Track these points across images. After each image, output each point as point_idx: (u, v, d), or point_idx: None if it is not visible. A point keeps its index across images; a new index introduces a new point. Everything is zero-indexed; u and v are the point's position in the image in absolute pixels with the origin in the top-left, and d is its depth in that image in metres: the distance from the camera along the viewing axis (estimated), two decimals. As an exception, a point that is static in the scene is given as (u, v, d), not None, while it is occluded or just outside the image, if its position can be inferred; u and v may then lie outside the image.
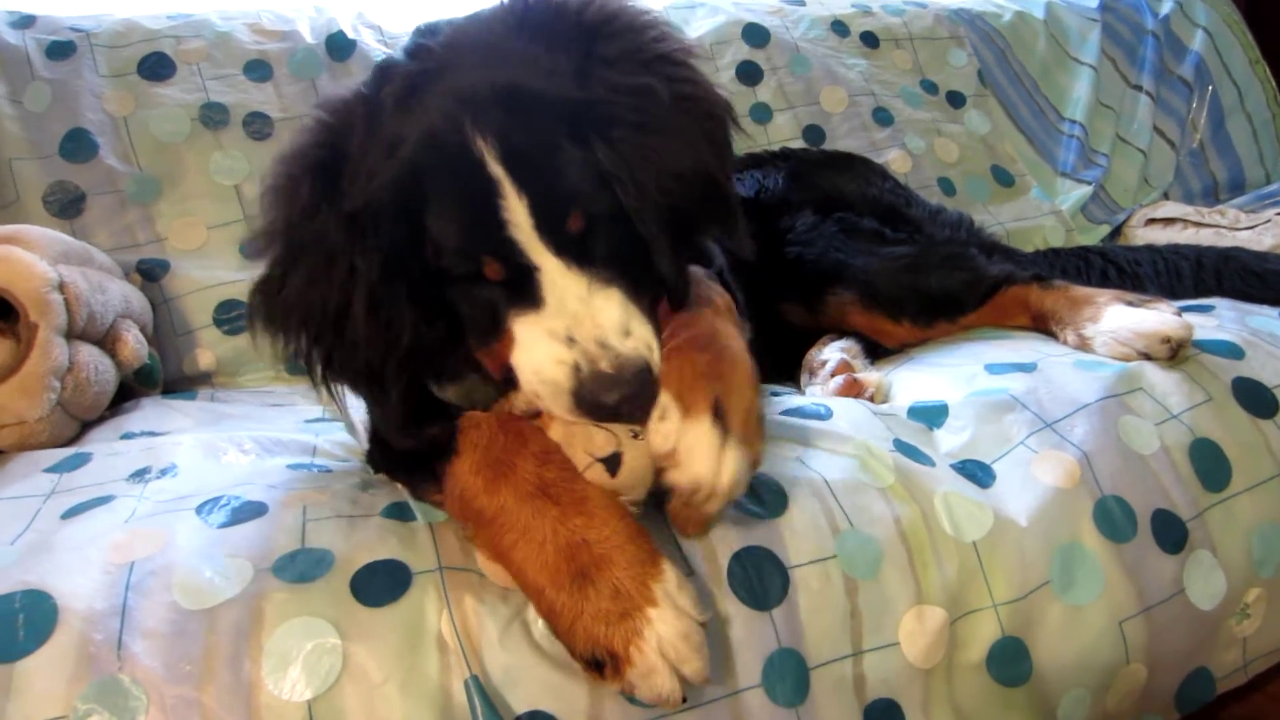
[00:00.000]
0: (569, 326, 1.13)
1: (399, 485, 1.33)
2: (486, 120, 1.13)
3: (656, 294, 1.26)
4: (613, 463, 1.14)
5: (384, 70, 1.24)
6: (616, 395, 1.11)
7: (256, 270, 2.12)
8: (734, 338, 1.26)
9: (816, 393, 1.78)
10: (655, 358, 1.16)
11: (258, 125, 2.29)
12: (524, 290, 1.15)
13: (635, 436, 1.15)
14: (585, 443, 1.15)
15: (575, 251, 1.15)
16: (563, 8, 1.25)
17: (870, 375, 1.76)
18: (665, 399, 1.14)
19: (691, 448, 1.10)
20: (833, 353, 1.86)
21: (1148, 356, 1.60)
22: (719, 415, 1.12)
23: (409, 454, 1.30)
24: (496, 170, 1.11)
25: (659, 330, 1.21)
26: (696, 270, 1.38)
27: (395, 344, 1.19)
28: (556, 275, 1.14)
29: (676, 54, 1.29)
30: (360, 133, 1.19)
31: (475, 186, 1.12)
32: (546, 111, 1.15)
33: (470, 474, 1.14)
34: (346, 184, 1.18)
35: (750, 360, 1.24)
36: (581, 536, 1.06)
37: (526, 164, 1.13)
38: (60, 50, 2.24)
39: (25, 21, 2.28)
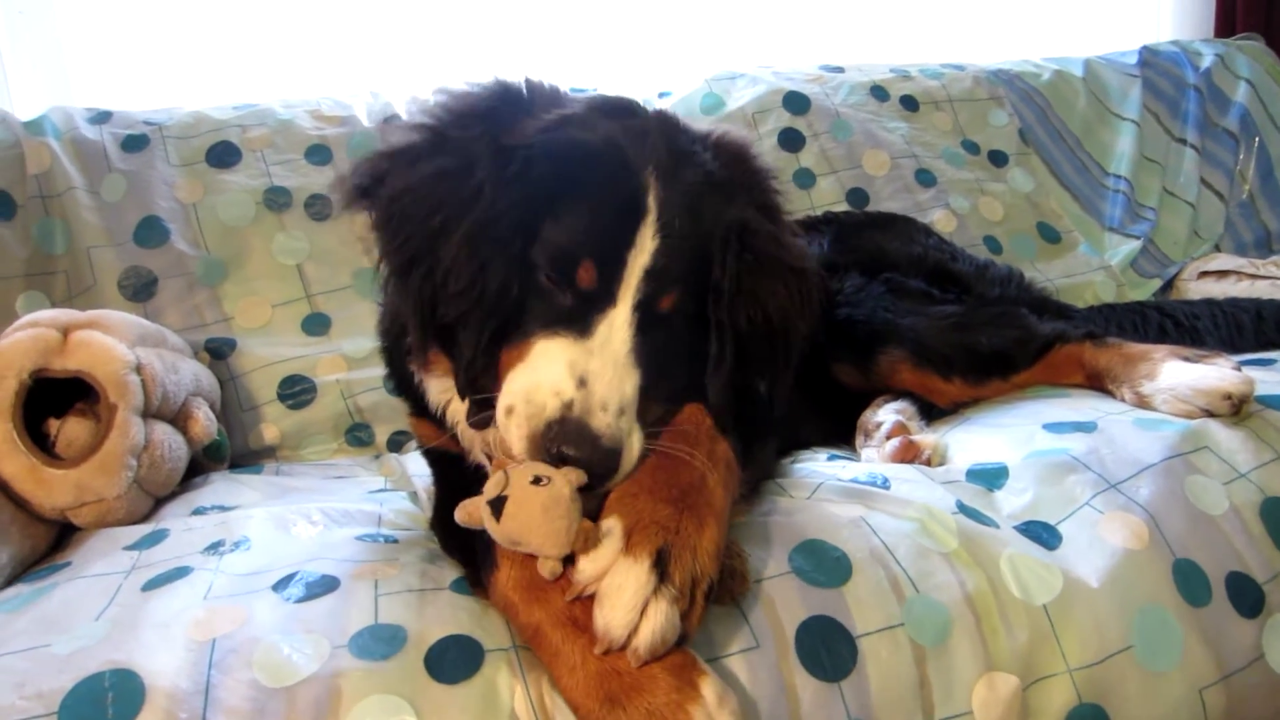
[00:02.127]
0: (590, 371, 1.15)
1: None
2: (660, 163, 1.23)
3: (666, 408, 1.27)
4: (497, 505, 1.10)
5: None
6: (578, 453, 1.11)
7: (318, 346, 2.21)
8: (718, 500, 1.18)
9: (872, 455, 1.78)
10: (629, 455, 1.15)
11: (318, 206, 2.37)
12: (579, 317, 1.19)
13: (536, 482, 1.09)
14: (487, 488, 1.13)
15: (644, 317, 1.20)
16: (703, 134, 1.37)
17: (926, 437, 1.75)
18: (612, 523, 1.10)
19: (617, 587, 1.04)
20: (888, 414, 1.86)
21: (1210, 413, 1.58)
22: (661, 564, 1.06)
23: (459, 545, 1.32)
24: (650, 204, 1.20)
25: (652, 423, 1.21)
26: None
27: (483, 291, 1.19)
28: (618, 321, 1.19)
29: (788, 215, 1.42)
30: (532, 104, 1.30)
31: (623, 203, 1.20)
32: (701, 197, 1.25)
33: (508, 589, 1.15)
34: (508, 130, 1.25)
35: (722, 528, 1.16)
36: (613, 666, 1.04)
37: (672, 219, 1.21)
38: (135, 143, 2.36)
39: (102, 117, 2.41)
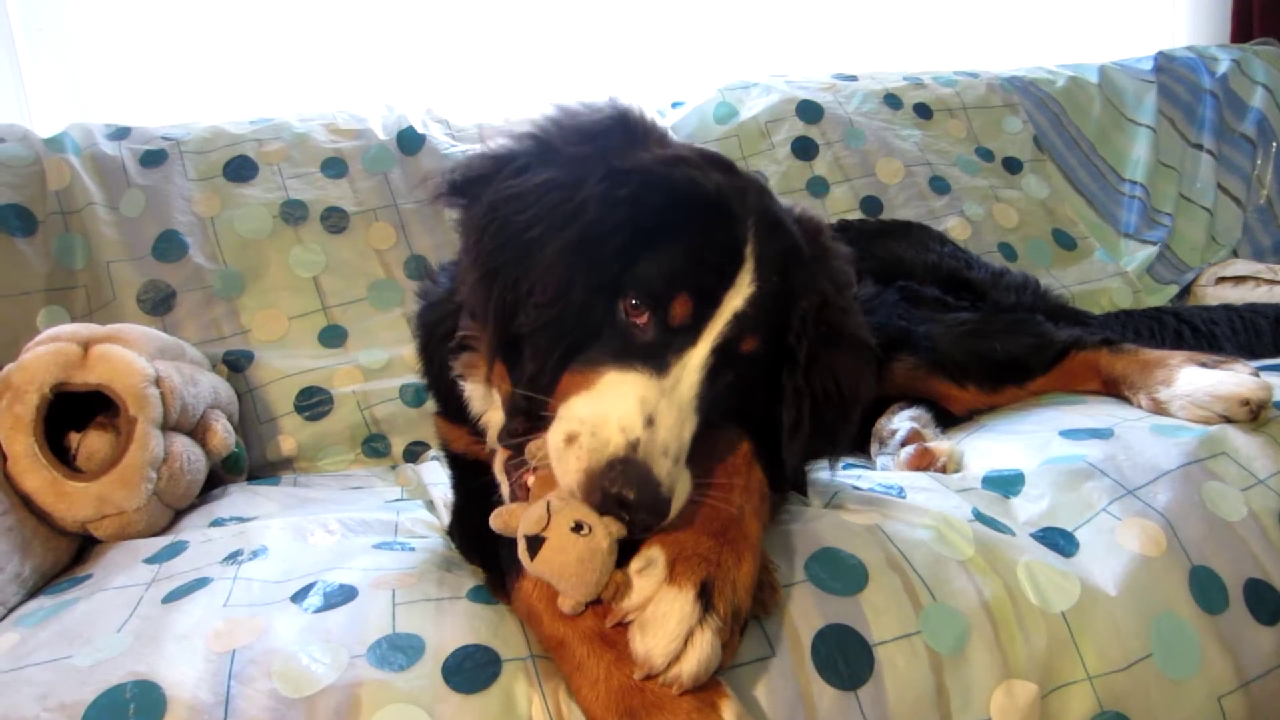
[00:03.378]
0: (658, 412, 1.12)
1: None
2: (763, 215, 1.26)
3: (712, 453, 1.26)
4: (534, 544, 1.09)
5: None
6: (637, 497, 1.07)
7: (335, 357, 2.23)
8: (753, 533, 1.19)
9: (887, 463, 1.78)
10: (676, 503, 1.12)
11: (334, 219, 2.39)
12: (658, 354, 1.17)
13: (578, 530, 1.08)
14: (526, 519, 1.12)
15: (719, 362, 1.19)
16: (788, 206, 1.39)
17: (942, 444, 1.75)
18: (655, 553, 1.10)
19: (662, 616, 1.04)
20: (903, 422, 1.86)
21: (1227, 419, 1.57)
22: (705, 595, 1.06)
23: (481, 549, 1.32)
24: (749, 252, 1.22)
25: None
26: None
27: (565, 308, 1.18)
28: (695, 363, 1.18)
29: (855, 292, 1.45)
30: (646, 138, 1.31)
31: (725, 247, 1.22)
32: (790, 264, 1.27)
33: (534, 599, 1.15)
34: (620, 155, 1.25)
35: (758, 560, 1.17)
36: (635, 682, 1.04)
37: (767, 272, 1.23)
38: (153, 159, 2.38)
39: (121, 133, 2.44)
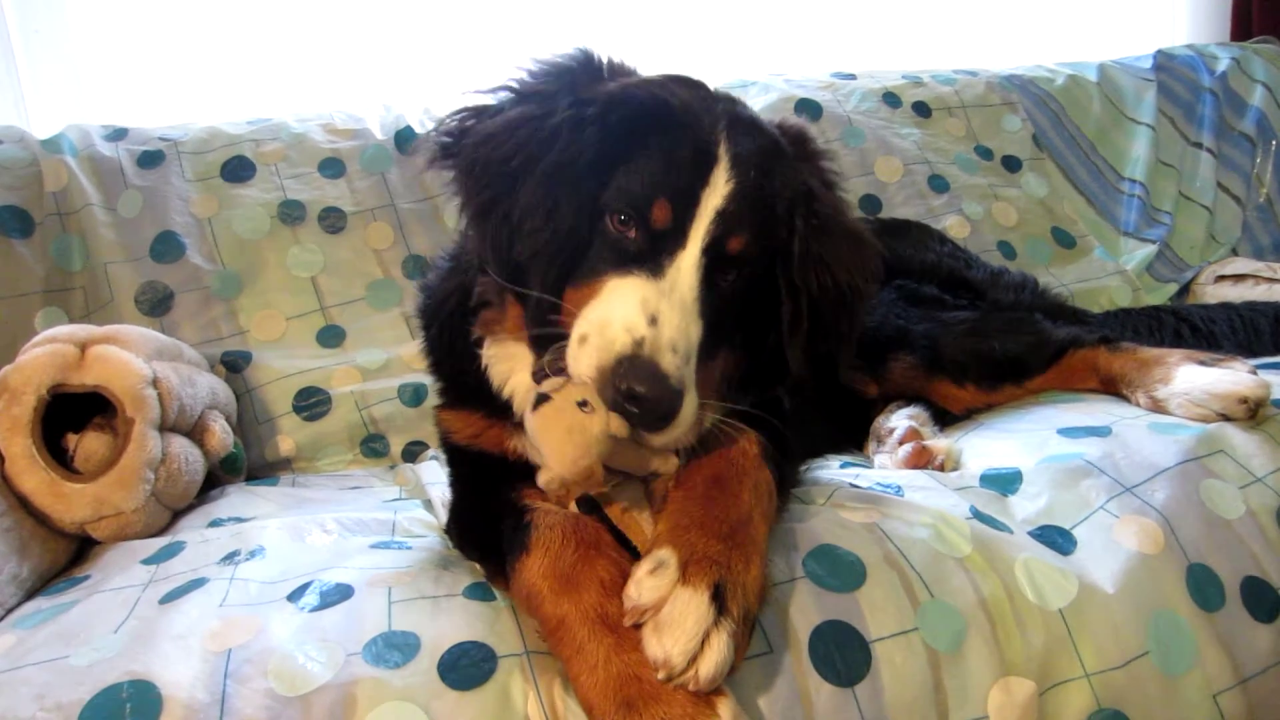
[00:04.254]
0: (660, 311, 1.16)
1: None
2: (734, 119, 1.30)
3: (725, 371, 1.29)
4: (540, 402, 1.15)
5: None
6: (647, 390, 1.11)
7: (333, 358, 2.23)
8: (761, 536, 1.20)
9: (885, 461, 1.78)
10: (687, 408, 1.15)
11: (332, 219, 2.39)
12: (650, 258, 1.22)
13: (581, 405, 1.12)
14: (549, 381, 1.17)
15: (712, 263, 1.23)
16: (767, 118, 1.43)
17: (939, 442, 1.75)
18: (666, 554, 1.10)
19: (679, 617, 1.04)
20: (900, 420, 1.86)
21: (1225, 417, 1.57)
22: (719, 597, 1.07)
23: (481, 539, 1.33)
24: (721, 152, 1.26)
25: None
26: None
27: (555, 229, 1.23)
28: (688, 263, 1.21)
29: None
30: (611, 73, 1.36)
31: (697, 151, 1.26)
32: (769, 160, 1.31)
33: (538, 577, 1.16)
34: (587, 86, 1.31)
35: (765, 564, 1.19)
36: (635, 672, 1.05)
37: (744, 168, 1.26)
38: (150, 159, 2.38)
39: (118, 134, 2.44)
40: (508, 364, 1.37)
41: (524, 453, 1.42)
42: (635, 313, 1.16)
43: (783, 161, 1.34)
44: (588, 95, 1.30)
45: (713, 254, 1.23)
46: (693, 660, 1.02)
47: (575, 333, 1.19)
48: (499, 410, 1.41)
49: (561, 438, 1.11)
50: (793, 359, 1.33)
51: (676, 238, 1.22)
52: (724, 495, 1.19)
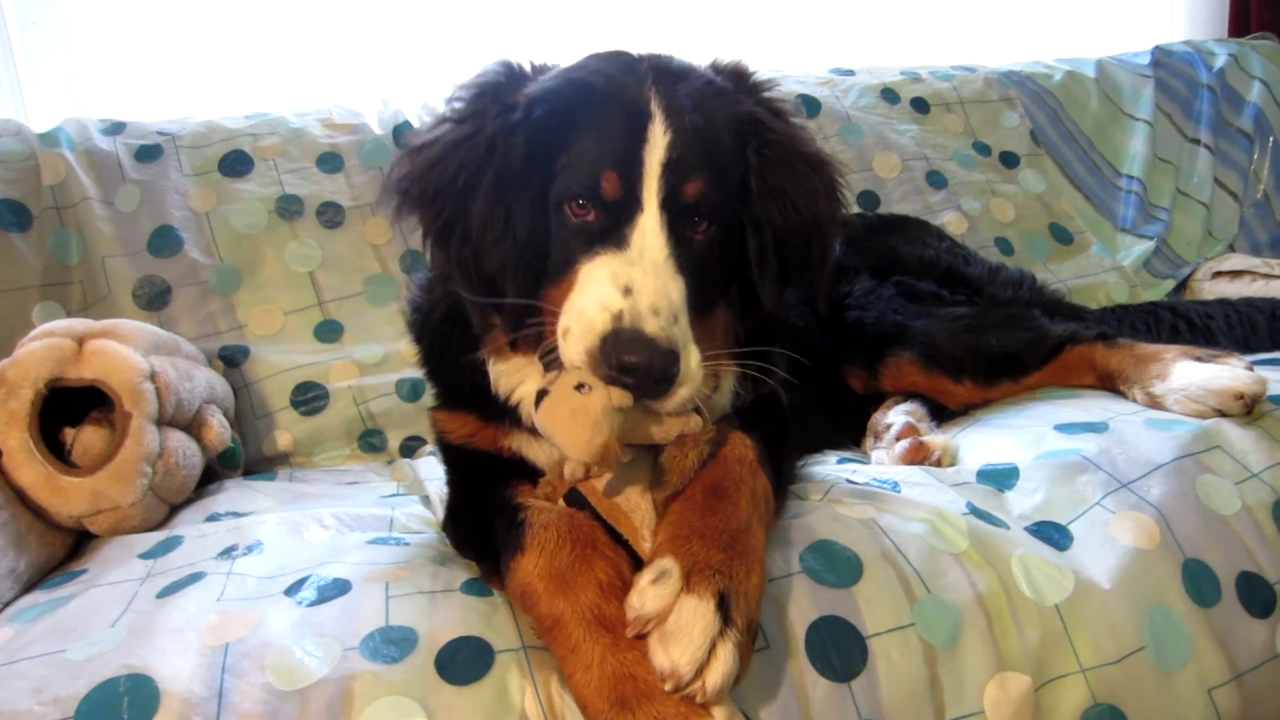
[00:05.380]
0: (633, 280, 1.18)
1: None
2: (661, 72, 1.32)
3: (729, 326, 1.32)
4: (540, 398, 1.17)
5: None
6: (636, 359, 1.13)
7: (331, 352, 2.23)
8: (760, 543, 1.19)
9: (882, 457, 1.78)
10: (688, 364, 1.17)
11: (330, 214, 2.39)
12: (613, 233, 1.23)
13: (579, 388, 1.14)
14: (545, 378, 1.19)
15: (674, 218, 1.24)
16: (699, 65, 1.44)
17: (936, 438, 1.75)
18: (669, 564, 1.09)
19: (685, 626, 1.03)
20: (897, 416, 1.86)
21: (1222, 413, 1.58)
22: (723, 607, 1.05)
23: (476, 538, 1.32)
24: (654, 107, 1.26)
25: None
26: (744, 438, 1.33)
27: (514, 236, 1.26)
28: (649, 225, 1.23)
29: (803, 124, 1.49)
30: (534, 76, 1.38)
31: (628, 114, 1.27)
32: (706, 99, 1.32)
33: (533, 576, 1.15)
34: (510, 95, 1.33)
35: (764, 571, 1.18)
36: (630, 671, 1.05)
37: (680, 115, 1.27)
38: (148, 153, 2.38)
39: (116, 128, 2.43)
40: (516, 376, 1.38)
41: (519, 451, 1.43)
42: (608, 289, 1.18)
43: (722, 98, 1.34)
44: (511, 101, 1.32)
45: (672, 208, 1.24)
46: (700, 671, 1.01)
47: (559, 328, 1.20)
48: (495, 412, 1.42)
49: (568, 423, 1.13)
50: (765, 296, 1.33)
51: (631, 205, 1.24)
52: (723, 504, 1.19)
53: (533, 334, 1.27)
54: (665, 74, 1.32)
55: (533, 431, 1.37)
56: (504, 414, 1.41)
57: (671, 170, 1.24)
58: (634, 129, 1.25)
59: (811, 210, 1.36)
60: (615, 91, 1.29)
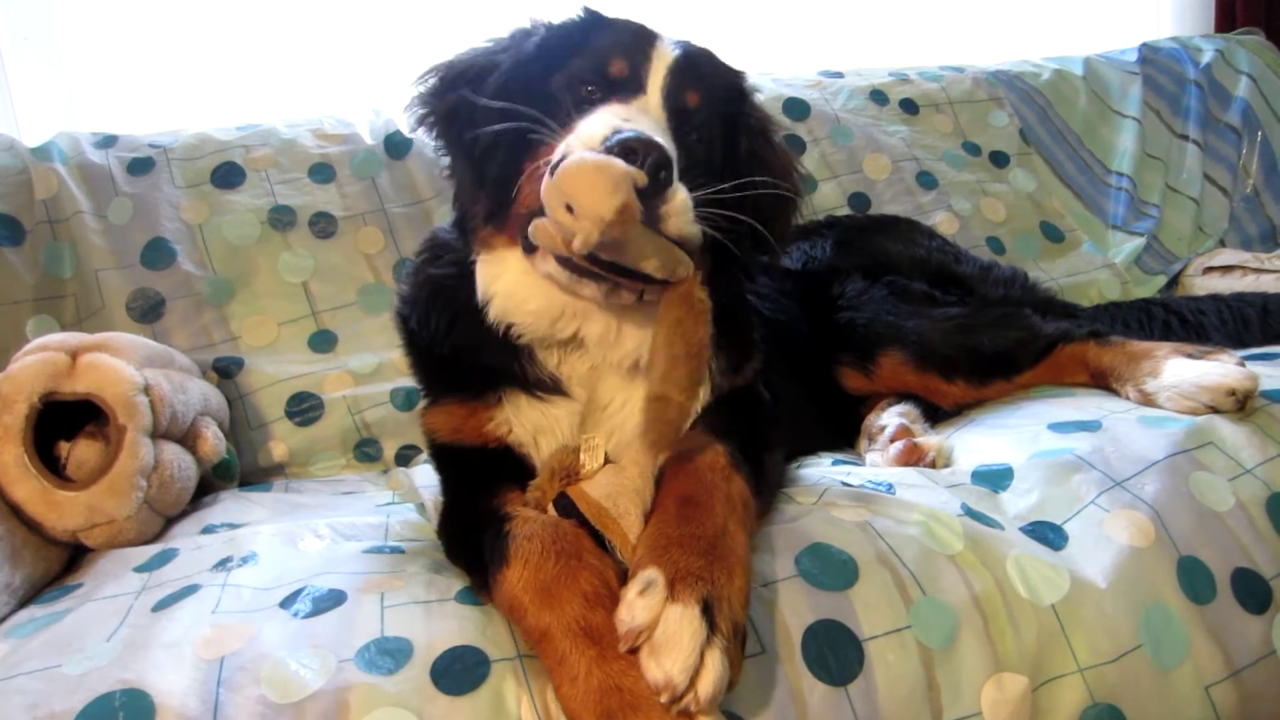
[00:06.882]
0: (631, 118, 1.25)
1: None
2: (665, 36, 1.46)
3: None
4: (553, 168, 1.17)
5: None
6: (637, 145, 1.16)
7: (325, 362, 2.23)
8: (740, 545, 1.18)
9: (876, 459, 1.78)
10: (679, 189, 1.21)
11: (323, 224, 2.39)
12: (614, 98, 1.33)
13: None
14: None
15: (674, 114, 1.34)
16: None
17: (930, 439, 1.76)
18: (653, 574, 1.09)
19: (674, 636, 1.02)
20: (891, 418, 1.87)
21: (1214, 410, 1.58)
22: (708, 614, 1.05)
23: (466, 549, 1.32)
24: (659, 34, 1.43)
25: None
26: (722, 447, 1.33)
27: (517, 120, 1.30)
28: (653, 102, 1.34)
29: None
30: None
31: (637, 34, 1.43)
32: (706, 56, 1.49)
33: (518, 589, 1.15)
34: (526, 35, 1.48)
35: (748, 574, 1.16)
36: (616, 682, 1.04)
37: (683, 47, 1.43)
38: (140, 166, 2.38)
39: (108, 141, 2.43)
40: (495, 268, 1.42)
41: (505, 438, 1.45)
42: (609, 119, 1.24)
43: (714, 60, 1.50)
44: (534, 30, 1.48)
45: (672, 106, 1.34)
46: (694, 680, 1.00)
47: (555, 156, 1.21)
48: (476, 391, 1.46)
49: (593, 173, 1.11)
50: (744, 254, 1.43)
51: (635, 86, 1.34)
52: (697, 512, 1.18)
53: (514, 210, 1.34)
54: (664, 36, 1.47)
55: (524, 385, 1.43)
56: (485, 393, 1.44)
57: (676, 73, 1.37)
58: (643, 42, 1.40)
59: (786, 183, 1.49)
60: (629, 24, 1.46)
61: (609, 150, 1.16)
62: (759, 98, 1.60)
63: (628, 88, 1.34)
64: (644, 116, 1.27)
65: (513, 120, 1.29)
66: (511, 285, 1.39)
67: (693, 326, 1.21)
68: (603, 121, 1.23)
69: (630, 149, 1.16)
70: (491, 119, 1.32)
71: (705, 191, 1.27)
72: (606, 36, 1.43)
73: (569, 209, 1.12)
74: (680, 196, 1.21)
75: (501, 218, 1.38)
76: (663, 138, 1.21)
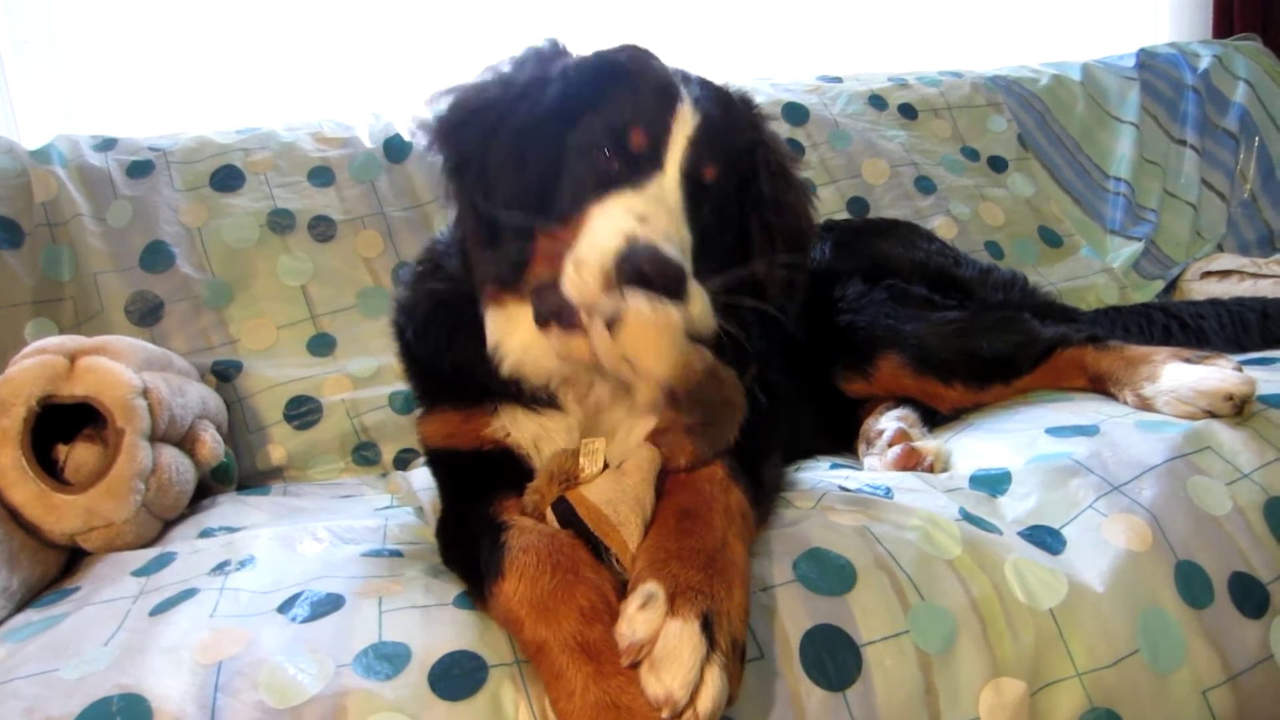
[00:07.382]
0: (649, 213, 1.21)
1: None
2: (681, 74, 1.42)
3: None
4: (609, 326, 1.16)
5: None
6: (652, 270, 1.14)
7: (324, 366, 2.23)
8: (739, 558, 1.19)
9: (874, 463, 1.78)
10: (698, 300, 1.19)
11: (322, 228, 2.39)
12: (630, 178, 1.27)
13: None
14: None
15: (690, 190, 1.29)
16: None
17: (929, 444, 1.76)
18: (653, 588, 1.09)
19: (673, 652, 1.02)
20: (890, 422, 1.87)
21: (1212, 414, 1.58)
22: (707, 629, 1.04)
23: (462, 558, 1.32)
24: (683, 93, 1.36)
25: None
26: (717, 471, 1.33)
27: (526, 178, 1.31)
28: (669, 183, 1.28)
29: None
30: (560, 55, 1.47)
31: (659, 91, 1.36)
32: (727, 104, 1.44)
33: (514, 603, 1.14)
34: (554, 60, 1.44)
35: (747, 587, 1.17)
36: (614, 699, 1.03)
37: (705, 108, 1.36)
38: (140, 169, 2.38)
39: (108, 144, 2.43)
40: (507, 324, 1.39)
41: (501, 440, 1.44)
42: (623, 217, 1.20)
43: (735, 108, 1.47)
44: (551, 64, 1.42)
45: (689, 181, 1.30)
46: (693, 696, 1.00)
47: (569, 265, 1.20)
48: (471, 399, 1.45)
49: (656, 342, 1.11)
50: (761, 268, 1.42)
51: (653, 163, 1.30)
52: (696, 525, 1.18)
53: (525, 276, 1.30)
54: (687, 76, 1.42)
55: (520, 400, 1.42)
56: (481, 401, 1.44)
57: (695, 147, 1.31)
58: (665, 103, 1.34)
59: (802, 227, 1.47)
60: (646, 73, 1.39)
61: (620, 274, 1.14)
62: (771, 126, 1.57)
63: (645, 165, 1.29)
64: (660, 208, 1.23)
65: (526, 176, 1.31)
66: (525, 344, 1.37)
67: (690, 370, 1.22)
68: (615, 227, 1.19)
69: (643, 274, 1.13)
70: (505, 182, 1.32)
71: (720, 279, 1.27)
72: (628, 96, 1.35)
73: (627, 360, 1.15)
74: (698, 303, 1.19)
75: (511, 282, 1.35)
76: (676, 240, 1.19)
